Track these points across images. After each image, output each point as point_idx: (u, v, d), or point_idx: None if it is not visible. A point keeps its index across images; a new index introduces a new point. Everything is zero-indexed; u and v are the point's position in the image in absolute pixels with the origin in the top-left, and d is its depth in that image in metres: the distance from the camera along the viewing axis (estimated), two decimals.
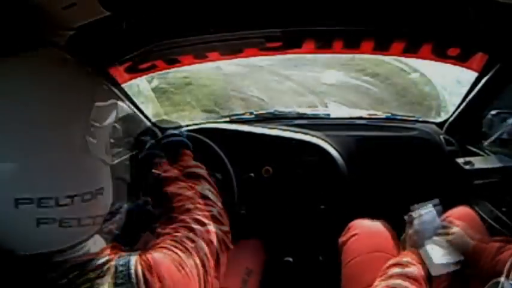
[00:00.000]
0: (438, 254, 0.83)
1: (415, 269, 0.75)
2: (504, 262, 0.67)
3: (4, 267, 0.47)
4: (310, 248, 1.32)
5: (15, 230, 0.45)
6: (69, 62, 0.53)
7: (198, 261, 0.56)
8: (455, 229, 0.86)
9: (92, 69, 0.56)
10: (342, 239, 0.99)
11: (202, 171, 0.79)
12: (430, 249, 0.84)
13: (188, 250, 0.56)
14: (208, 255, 0.59)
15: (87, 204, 0.48)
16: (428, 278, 0.78)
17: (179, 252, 0.55)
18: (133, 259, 0.50)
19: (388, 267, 0.77)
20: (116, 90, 1.03)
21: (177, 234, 0.59)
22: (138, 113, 1.32)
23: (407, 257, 0.80)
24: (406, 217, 0.93)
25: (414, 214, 0.92)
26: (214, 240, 0.63)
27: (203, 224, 0.63)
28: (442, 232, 0.87)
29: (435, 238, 0.87)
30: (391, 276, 0.73)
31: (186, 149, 0.88)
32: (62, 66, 0.52)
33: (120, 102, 0.59)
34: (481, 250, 0.79)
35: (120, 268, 0.49)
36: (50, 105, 0.46)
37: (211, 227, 0.64)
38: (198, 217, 0.65)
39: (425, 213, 0.92)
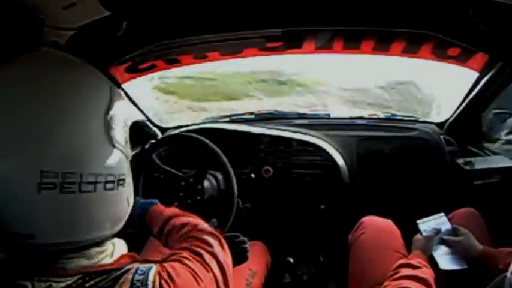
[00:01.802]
0: (445, 260, 0.84)
1: (426, 271, 0.75)
2: None
3: (20, 254, 0.47)
4: (311, 248, 1.32)
5: (37, 216, 0.45)
6: (75, 62, 0.54)
7: (216, 275, 0.55)
8: (464, 231, 0.86)
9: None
10: (351, 235, 0.99)
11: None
12: (438, 254, 0.84)
13: (206, 263, 0.55)
14: (225, 269, 0.58)
15: (109, 193, 0.49)
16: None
17: (198, 264, 0.54)
18: (153, 270, 0.49)
19: (399, 268, 0.76)
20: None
21: (195, 248, 0.57)
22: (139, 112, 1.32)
23: (418, 258, 0.80)
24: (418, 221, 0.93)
25: (423, 220, 0.92)
26: (229, 255, 0.62)
27: (219, 240, 0.62)
28: (452, 234, 0.87)
29: (445, 238, 0.87)
30: (402, 278, 0.73)
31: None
32: (69, 67, 0.53)
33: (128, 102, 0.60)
34: (490, 255, 0.79)
35: (138, 277, 0.48)
36: (73, 98, 0.48)
37: (224, 244, 0.63)
38: (211, 233, 0.63)
39: (434, 217, 0.92)
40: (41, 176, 0.43)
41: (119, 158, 0.51)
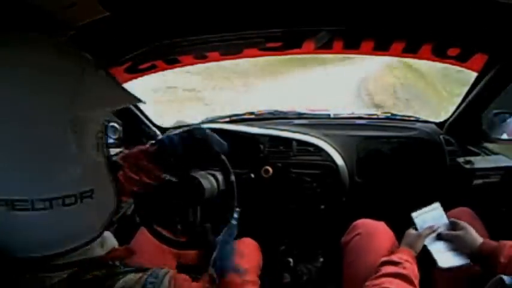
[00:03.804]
0: (444, 257, 0.82)
1: (408, 266, 0.74)
2: None
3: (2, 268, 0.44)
4: (310, 248, 1.32)
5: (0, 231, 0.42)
6: (48, 43, 0.47)
7: None
8: (463, 224, 0.84)
9: (89, 56, 0.50)
10: (344, 238, 0.99)
11: None
12: (435, 251, 0.83)
13: None
14: None
15: (70, 208, 0.43)
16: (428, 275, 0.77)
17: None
18: (166, 279, 0.47)
19: (381, 266, 0.76)
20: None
21: None
22: (138, 113, 1.32)
23: (401, 253, 0.79)
24: (413, 214, 0.92)
25: (418, 212, 0.91)
26: None
27: None
28: (450, 228, 0.86)
29: (443, 233, 0.85)
30: (382, 276, 0.72)
31: None
32: (38, 49, 0.45)
33: (117, 93, 0.52)
34: (491, 248, 0.77)
35: (151, 280, 0.46)
36: (21, 92, 0.40)
37: None
38: None
39: (430, 210, 0.91)
40: None
41: (81, 171, 0.44)
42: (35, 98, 0.40)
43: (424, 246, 0.85)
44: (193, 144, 0.82)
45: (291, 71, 6.10)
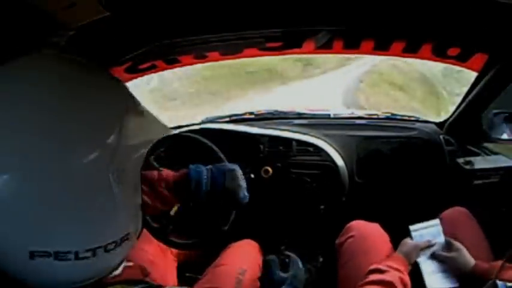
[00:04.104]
0: (434, 278, 0.83)
1: (394, 274, 0.74)
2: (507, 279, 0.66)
3: None
4: (310, 249, 1.32)
5: (33, 278, 0.41)
6: (86, 65, 0.45)
7: None
8: (458, 245, 0.85)
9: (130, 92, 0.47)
10: (338, 240, 0.99)
11: None
12: (426, 272, 0.83)
13: None
14: None
15: (110, 252, 0.43)
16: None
17: None
18: None
19: (368, 274, 0.76)
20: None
21: None
22: None
23: (390, 261, 0.79)
24: (411, 227, 0.92)
25: (417, 226, 0.91)
26: None
27: None
28: (445, 248, 0.87)
29: (437, 253, 0.86)
30: (367, 284, 0.73)
31: None
32: (80, 71, 0.43)
33: (154, 128, 0.49)
34: (483, 270, 0.78)
35: None
36: (68, 145, 0.38)
37: None
38: None
39: (429, 225, 0.91)
40: (31, 255, 0.38)
41: (123, 218, 0.44)
42: (80, 150, 0.39)
43: (416, 263, 0.85)
44: (221, 190, 0.77)
45: (248, 94, 5.42)
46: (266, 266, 0.90)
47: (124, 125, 0.41)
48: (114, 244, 0.43)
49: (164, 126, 0.53)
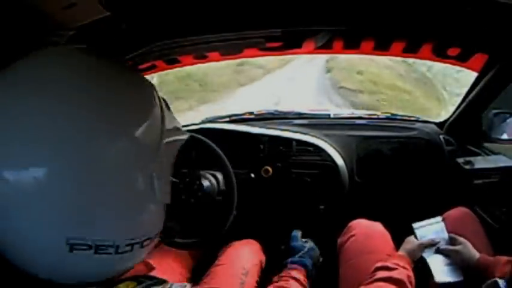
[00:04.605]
0: (441, 271, 0.83)
1: (402, 272, 0.74)
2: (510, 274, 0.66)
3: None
4: None
5: (67, 270, 0.41)
6: (114, 62, 0.46)
7: None
8: (461, 240, 0.85)
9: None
10: (340, 239, 0.99)
11: None
12: (433, 265, 0.84)
13: None
14: None
15: (144, 249, 0.44)
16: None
17: None
18: None
19: (375, 271, 0.76)
20: None
21: None
22: None
23: (397, 259, 0.79)
24: (414, 224, 0.92)
25: (420, 224, 0.92)
26: None
27: None
28: (449, 243, 0.87)
29: (442, 247, 0.86)
30: (376, 280, 0.73)
31: None
32: (112, 68, 0.44)
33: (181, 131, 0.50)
34: (487, 263, 0.78)
35: None
36: (114, 142, 0.38)
37: None
38: None
39: (432, 223, 0.91)
40: (68, 243, 0.38)
41: (160, 215, 0.45)
42: (125, 148, 0.40)
43: (423, 259, 0.86)
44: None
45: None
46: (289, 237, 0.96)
47: (164, 122, 0.42)
48: (149, 240, 0.43)
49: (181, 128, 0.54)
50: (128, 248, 0.41)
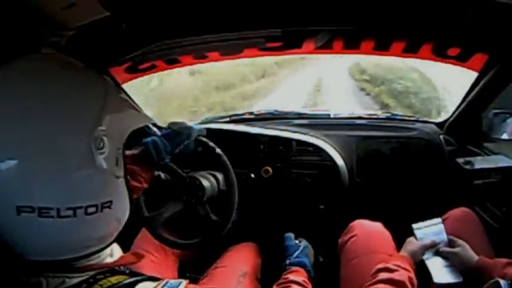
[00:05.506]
0: (440, 272, 0.84)
1: (403, 273, 0.74)
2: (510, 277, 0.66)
3: (15, 270, 0.47)
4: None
5: (20, 236, 0.45)
6: (75, 65, 0.52)
7: None
8: (460, 242, 0.85)
9: (108, 76, 0.56)
10: (341, 239, 0.99)
11: None
12: (432, 266, 0.84)
13: None
14: None
15: (91, 217, 0.46)
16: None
17: None
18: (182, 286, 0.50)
19: (377, 272, 0.76)
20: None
21: None
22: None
23: (398, 260, 0.79)
24: (414, 225, 0.92)
25: (419, 225, 0.92)
26: None
27: None
28: (448, 245, 0.87)
29: (442, 249, 0.86)
30: (378, 282, 0.72)
31: None
32: (68, 69, 0.51)
33: (134, 114, 0.57)
34: (485, 265, 0.78)
35: None
36: (54, 110, 0.44)
37: None
38: None
39: (432, 224, 0.91)
40: (18, 210, 0.43)
41: (103, 184, 0.48)
42: (65, 117, 0.45)
43: (422, 260, 0.86)
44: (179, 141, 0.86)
45: None
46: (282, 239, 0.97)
47: (106, 103, 0.48)
48: (94, 208, 0.46)
49: (147, 116, 0.61)
50: (70, 213, 0.44)
